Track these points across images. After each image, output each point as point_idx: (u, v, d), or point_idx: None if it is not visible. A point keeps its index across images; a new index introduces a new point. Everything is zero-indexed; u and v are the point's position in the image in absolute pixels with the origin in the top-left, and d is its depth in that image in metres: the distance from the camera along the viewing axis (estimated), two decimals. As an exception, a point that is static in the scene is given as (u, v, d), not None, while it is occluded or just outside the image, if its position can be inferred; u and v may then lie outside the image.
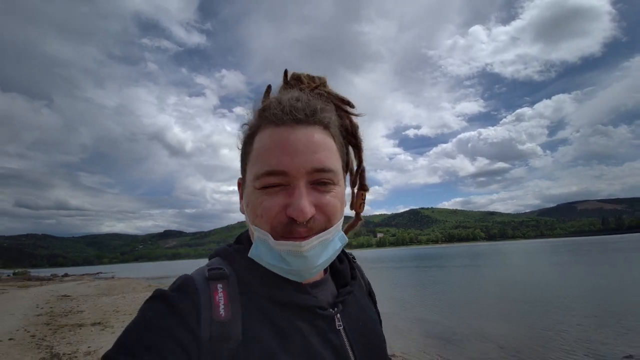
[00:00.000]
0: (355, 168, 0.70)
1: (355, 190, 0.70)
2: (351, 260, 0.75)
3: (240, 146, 0.65)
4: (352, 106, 0.67)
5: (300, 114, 0.55)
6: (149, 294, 0.52)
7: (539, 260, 32.99)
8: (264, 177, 0.54)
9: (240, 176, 0.67)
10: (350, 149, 0.69)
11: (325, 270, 0.69)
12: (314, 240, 0.54)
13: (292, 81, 0.66)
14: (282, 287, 0.58)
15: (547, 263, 28.31)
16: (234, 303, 0.54)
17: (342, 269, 0.70)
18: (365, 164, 0.69)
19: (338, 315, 0.61)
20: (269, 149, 0.54)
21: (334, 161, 0.57)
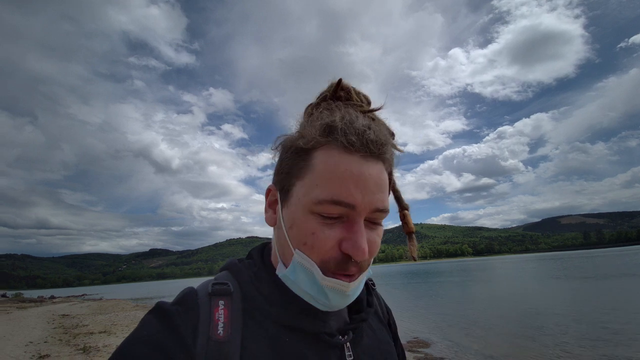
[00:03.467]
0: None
1: (402, 212, 0.66)
2: (370, 286, 0.71)
3: (277, 151, 0.60)
4: (394, 138, 0.61)
5: (374, 148, 0.51)
6: (139, 312, 0.79)
7: (520, 274, 36.13)
8: (328, 205, 0.50)
9: (271, 183, 0.61)
10: None
11: None
12: (358, 281, 0.53)
13: (341, 92, 0.59)
14: (290, 309, 0.55)
15: (527, 277, 31.12)
16: (235, 322, 0.51)
17: (359, 294, 0.64)
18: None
19: (348, 344, 0.57)
20: (341, 178, 0.50)
21: (388, 201, 0.55)
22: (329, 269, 0.51)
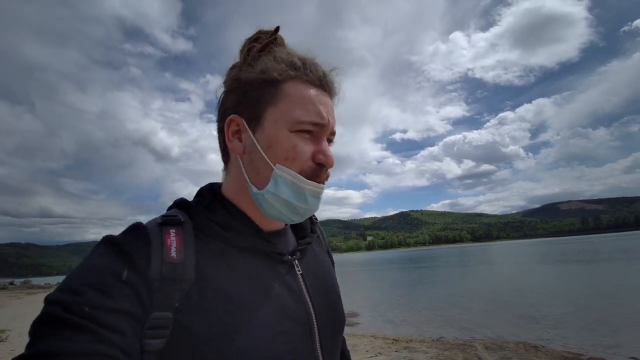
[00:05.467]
0: None
1: None
2: (312, 218, 0.81)
3: (224, 87, 0.66)
4: None
5: (332, 86, 0.65)
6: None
7: (507, 259, 36.48)
8: (308, 124, 0.60)
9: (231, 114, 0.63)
10: None
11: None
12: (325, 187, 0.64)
13: (280, 40, 0.67)
14: (243, 234, 0.61)
15: (512, 262, 31.21)
16: (188, 247, 0.55)
17: (303, 223, 0.76)
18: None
19: (296, 261, 0.66)
20: (315, 102, 0.61)
21: None
22: (306, 177, 0.60)
